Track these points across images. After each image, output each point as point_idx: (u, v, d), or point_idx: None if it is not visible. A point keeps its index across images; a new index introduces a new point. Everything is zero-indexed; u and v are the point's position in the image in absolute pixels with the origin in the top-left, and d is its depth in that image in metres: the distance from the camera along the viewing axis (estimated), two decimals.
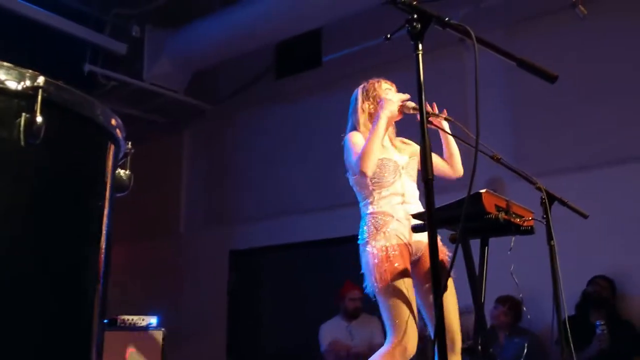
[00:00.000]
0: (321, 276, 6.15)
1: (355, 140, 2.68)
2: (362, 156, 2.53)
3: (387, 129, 2.62)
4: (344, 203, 5.67)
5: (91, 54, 6.11)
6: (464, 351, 2.52)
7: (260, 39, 6.09)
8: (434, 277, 1.66)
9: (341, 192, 5.19)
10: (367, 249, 2.56)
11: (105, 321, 1.13)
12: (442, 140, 2.81)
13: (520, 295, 2.44)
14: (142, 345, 4.22)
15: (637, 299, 4.45)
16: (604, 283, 4.37)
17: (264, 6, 5.75)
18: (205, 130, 7.50)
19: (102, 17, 6.25)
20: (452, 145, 2.80)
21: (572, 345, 2.29)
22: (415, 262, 2.64)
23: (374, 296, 2.52)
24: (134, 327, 4.25)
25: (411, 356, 2.45)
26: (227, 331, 6.74)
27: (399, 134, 2.91)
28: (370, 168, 2.54)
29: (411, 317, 2.44)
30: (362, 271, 2.59)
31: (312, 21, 5.82)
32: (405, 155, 2.76)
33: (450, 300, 2.60)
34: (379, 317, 2.60)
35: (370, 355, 2.51)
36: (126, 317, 4.24)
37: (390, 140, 2.81)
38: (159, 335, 4.34)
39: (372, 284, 2.50)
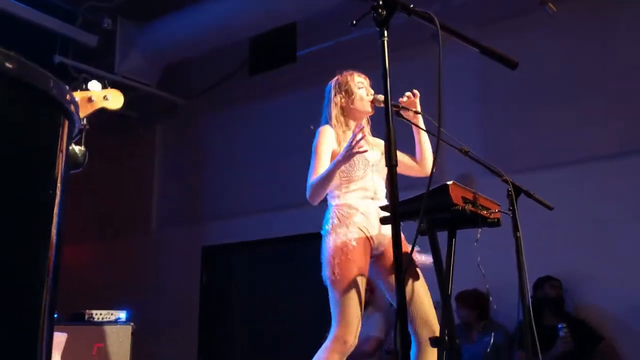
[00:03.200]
0: (294, 272, 6.15)
1: (321, 144, 2.69)
2: (314, 188, 2.60)
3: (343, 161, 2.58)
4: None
5: (62, 45, 6.02)
6: (431, 342, 2.53)
7: (234, 33, 6.06)
8: (396, 267, 1.66)
9: None
10: (328, 240, 2.59)
11: (56, 315, 1.10)
12: (415, 138, 2.83)
13: (487, 287, 2.46)
14: (111, 340, 4.16)
15: (589, 299, 4.53)
16: (556, 283, 4.43)
17: (237, 0, 5.72)
18: (177, 125, 7.43)
19: (72, 8, 6.16)
20: (424, 143, 2.81)
21: (537, 339, 2.32)
22: (378, 256, 2.66)
23: (327, 286, 2.56)
24: (102, 322, 4.19)
25: (350, 350, 2.50)
26: (199, 327, 6.71)
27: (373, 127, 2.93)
28: (316, 201, 2.63)
29: (358, 313, 2.50)
30: (321, 260, 2.62)
31: (287, 16, 5.81)
32: (376, 152, 2.78)
33: (424, 293, 2.62)
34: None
35: (358, 350, 2.55)
36: (94, 311, 4.17)
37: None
38: (127, 330, 4.27)
39: (327, 274, 2.54)
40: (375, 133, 2.91)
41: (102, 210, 7.08)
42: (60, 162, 0.95)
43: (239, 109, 6.88)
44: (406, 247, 2.63)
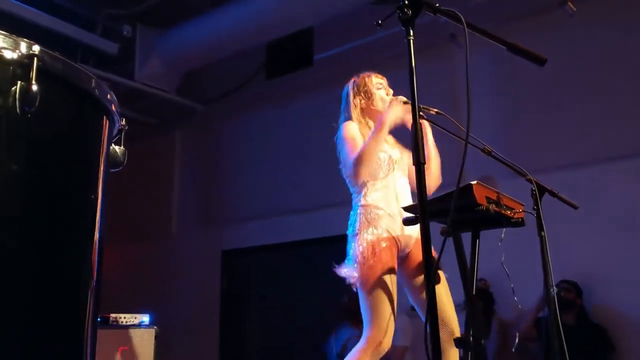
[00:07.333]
0: (313, 275, 6.15)
1: (350, 132, 2.64)
2: (360, 159, 2.52)
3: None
4: (334, 203, 5.70)
5: (82, 53, 6.09)
6: (456, 342, 2.52)
7: (251, 38, 6.10)
8: (426, 267, 1.65)
9: (331, 192, 5.22)
10: (356, 240, 2.54)
11: (99, 319, 1.11)
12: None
13: (512, 286, 2.45)
14: (134, 344, 4.19)
15: (608, 301, 4.51)
16: (567, 286, 4.43)
17: (254, 6, 5.76)
18: (196, 130, 7.49)
19: (93, 16, 6.24)
20: (431, 148, 2.74)
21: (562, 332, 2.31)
22: (404, 258, 2.62)
23: (356, 288, 2.52)
24: (126, 326, 4.22)
25: (385, 352, 2.44)
26: (219, 330, 6.74)
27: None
28: (366, 173, 2.55)
29: (390, 314, 2.45)
30: (346, 261, 2.57)
31: (303, 20, 5.83)
32: (397, 150, 2.77)
33: (444, 293, 2.58)
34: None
35: None
36: (118, 315, 4.21)
37: None
38: (151, 333, 4.30)
39: (356, 276, 2.49)
40: (394, 133, 2.89)
41: (123, 215, 7.13)
42: (102, 161, 0.96)
43: (257, 114, 6.92)
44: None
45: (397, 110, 2.57)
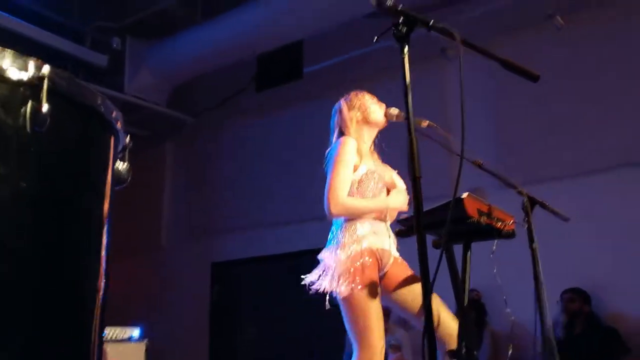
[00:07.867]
0: (303, 287, 6.14)
1: (348, 147, 2.57)
2: (348, 210, 2.50)
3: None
4: (324, 215, 5.68)
5: (72, 66, 6.08)
6: (449, 354, 2.53)
7: (242, 51, 6.13)
8: (423, 278, 1.65)
9: (321, 203, 5.22)
10: (338, 254, 2.45)
11: (104, 334, 1.12)
12: None
13: (504, 297, 2.47)
14: (125, 358, 4.17)
15: (613, 308, 4.54)
16: (571, 296, 4.47)
17: (245, 19, 5.79)
18: (186, 142, 7.49)
19: (82, 29, 6.24)
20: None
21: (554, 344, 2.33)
22: (381, 278, 2.53)
23: (335, 302, 2.41)
24: (116, 339, 4.20)
25: None
26: (209, 343, 6.70)
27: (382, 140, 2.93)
28: (336, 218, 2.55)
29: (381, 333, 2.35)
30: (320, 273, 2.47)
31: (293, 33, 5.87)
32: (388, 172, 2.78)
33: (440, 304, 2.55)
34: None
35: None
36: (108, 328, 4.19)
37: (372, 154, 2.78)
38: (141, 347, 4.29)
39: (340, 289, 2.35)
40: (391, 146, 2.91)
41: (113, 227, 7.11)
42: (108, 178, 0.97)
43: (247, 126, 6.94)
44: (404, 264, 2.61)
45: (401, 199, 2.62)
